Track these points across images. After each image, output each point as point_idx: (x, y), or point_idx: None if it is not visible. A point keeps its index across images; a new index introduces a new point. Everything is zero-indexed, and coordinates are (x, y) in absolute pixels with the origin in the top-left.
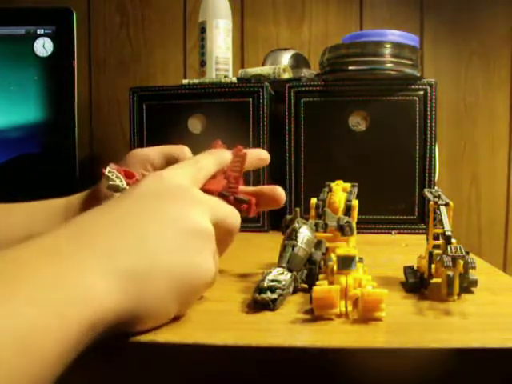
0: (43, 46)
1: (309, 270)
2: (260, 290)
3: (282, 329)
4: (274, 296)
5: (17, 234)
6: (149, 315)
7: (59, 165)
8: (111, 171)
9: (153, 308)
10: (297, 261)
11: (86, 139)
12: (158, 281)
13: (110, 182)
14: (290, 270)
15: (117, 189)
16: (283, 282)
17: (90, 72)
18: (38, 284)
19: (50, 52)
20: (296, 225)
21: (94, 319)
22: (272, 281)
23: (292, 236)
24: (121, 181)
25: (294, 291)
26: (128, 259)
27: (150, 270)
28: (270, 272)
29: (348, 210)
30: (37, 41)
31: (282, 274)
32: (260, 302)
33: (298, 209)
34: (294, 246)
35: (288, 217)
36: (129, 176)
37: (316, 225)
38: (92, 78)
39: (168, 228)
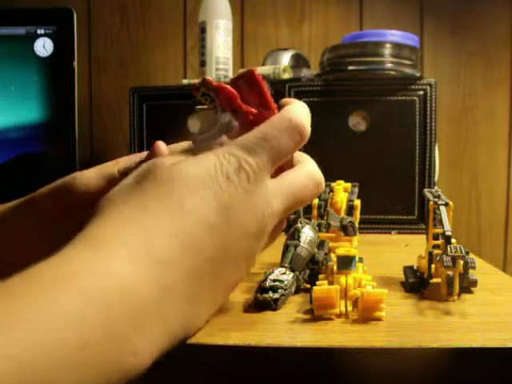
0: (43, 46)
1: (311, 270)
2: (262, 289)
3: (282, 329)
4: (276, 296)
5: None
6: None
7: (59, 165)
8: (205, 93)
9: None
10: (299, 261)
11: (86, 139)
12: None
13: (201, 107)
14: (293, 270)
15: (212, 119)
16: (285, 282)
17: (90, 72)
18: None
19: (50, 52)
20: (299, 225)
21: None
22: (274, 281)
23: (294, 236)
24: (215, 107)
25: (297, 291)
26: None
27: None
28: (272, 272)
29: (350, 210)
30: (37, 41)
31: (284, 273)
32: (262, 302)
33: (300, 208)
34: (296, 246)
35: (291, 216)
36: (226, 98)
37: (319, 225)
38: (92, 78)
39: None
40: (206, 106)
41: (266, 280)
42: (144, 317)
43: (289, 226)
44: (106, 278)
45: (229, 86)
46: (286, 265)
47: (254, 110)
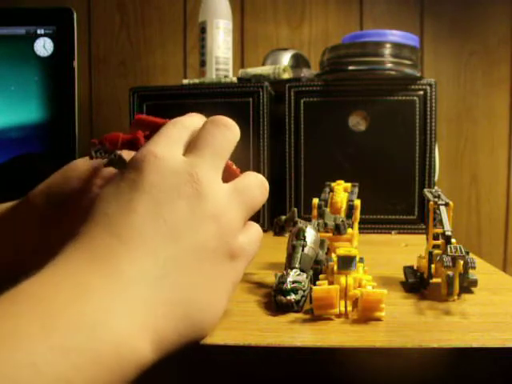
0: (43, 46)
1: (314, 270)
2: (283, 292)
3: (282, 329)
4: (298, 297)
5: None
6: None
7: (59, 165)
8: (96, 150)
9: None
10: (307, 261)
11: (86, 139)
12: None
13: (104, 161)
14: (302, 271)
15: (116, 164)
16: (303, 283)
17: (90, 72)
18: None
19: (50, 52)
20: (302, 225)
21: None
22: (293, 282)
23: (300, 236)
24: (110, 153)
25: None
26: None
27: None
28: (288, 274)
29: (350, 210)
30: (37, 41)
31: (298, 275)
32: (284, 305)
33: (295, 209)
34: (303, 247)
35: (283, 217)
36: (112, 142)
37: (318, 225)
38: (92, 78)
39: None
40: (105, 159)
41: (284, 282)
42: None
43: (281, 227)
44: None
45: (109, 134)
46: (297, 265)
47: (145, 133)
